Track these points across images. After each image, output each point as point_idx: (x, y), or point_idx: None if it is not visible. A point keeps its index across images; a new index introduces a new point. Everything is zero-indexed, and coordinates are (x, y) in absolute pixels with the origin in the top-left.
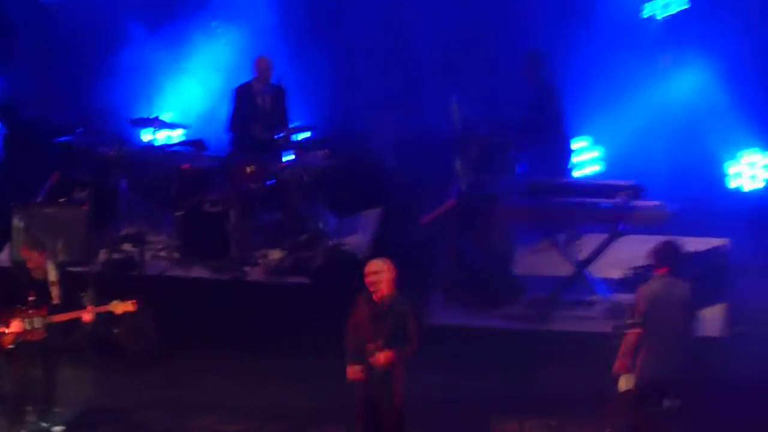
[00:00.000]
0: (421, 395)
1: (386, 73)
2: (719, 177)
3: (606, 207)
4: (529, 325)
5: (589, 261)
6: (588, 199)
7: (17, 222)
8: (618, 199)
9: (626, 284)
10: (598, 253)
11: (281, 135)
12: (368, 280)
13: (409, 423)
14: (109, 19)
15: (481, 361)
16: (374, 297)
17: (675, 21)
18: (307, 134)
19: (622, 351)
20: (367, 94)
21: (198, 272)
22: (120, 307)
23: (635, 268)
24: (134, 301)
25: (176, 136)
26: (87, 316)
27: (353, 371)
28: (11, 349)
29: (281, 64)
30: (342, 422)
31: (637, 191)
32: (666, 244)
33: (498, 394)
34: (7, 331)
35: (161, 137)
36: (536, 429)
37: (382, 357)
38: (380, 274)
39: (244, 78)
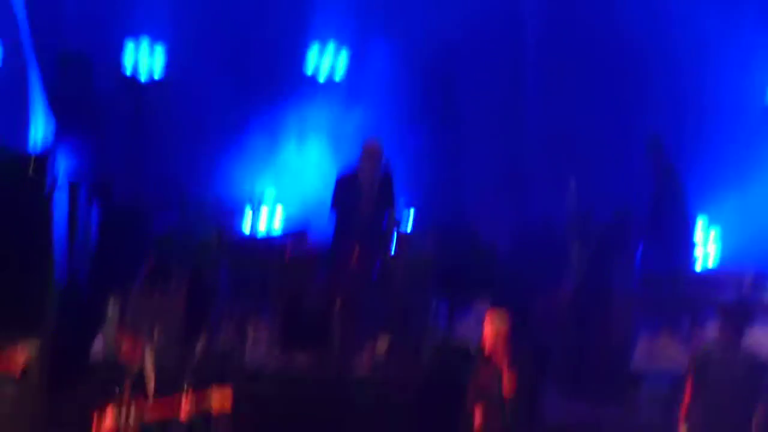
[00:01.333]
0: None
1: (498, 152)
2: None
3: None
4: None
5: None
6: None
7: (111, 311)
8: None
9: None
10: None
11: (388, 223)
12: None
13: None
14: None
15: None
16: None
17: None
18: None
19: None
20: (479, 178)
21: (300, 366)
22: (217, 398)
23: None
24: (230, 390)
25: (277, 225)
26: (183, 413)
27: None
28: None
29: (388, 148)
30: None
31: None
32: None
33: None
34: (101, 425)
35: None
36: None
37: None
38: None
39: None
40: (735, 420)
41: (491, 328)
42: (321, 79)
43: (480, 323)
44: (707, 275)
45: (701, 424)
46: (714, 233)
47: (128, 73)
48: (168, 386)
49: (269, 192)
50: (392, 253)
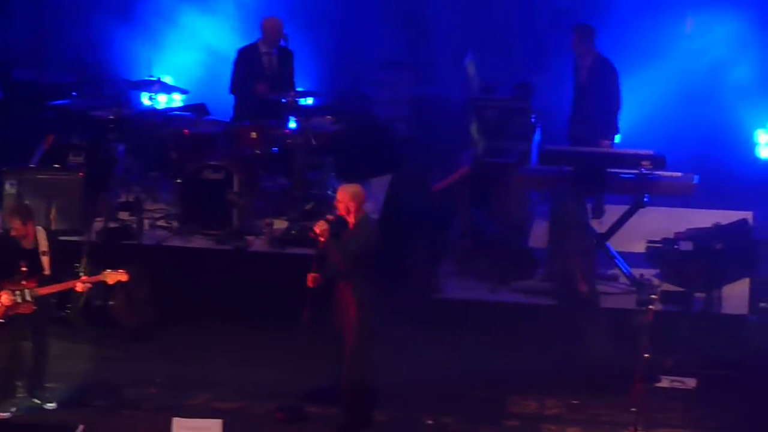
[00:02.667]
0: (435, 371)
1: (397, 31)
2: (747, 146)
3: (628, 177)
4: (546, 300)
5: (610, 233)
6: (610, 169)
7: (9, 188)
8: (641, 170)
9: (649, 258)
10: (619, 225)
11: (287, 99)
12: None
13: (425, 401)
14: None
15: (496, 337)
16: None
17: None
18: (311, 100)
19: None
20: (377, 55)
21: (198, 242)
22: (112, 276)
23: (658, 241)
24: (127, 270)
25: (176, 100)
26: (79, 286)
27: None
28: (0, 322)
29: (287, 25)
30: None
31: (660, 161)
32: None
33: (515, 371)
34: None
35: (161, 101)
36: (556, 407)
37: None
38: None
39: (248, 39)
40: None
41: (339, 194)
42: None
43: (377, 200)
44: (606, 154)
45: None
46: None
47: None
48: (65, 266)
49: (168, 66)
50: (293, 129)
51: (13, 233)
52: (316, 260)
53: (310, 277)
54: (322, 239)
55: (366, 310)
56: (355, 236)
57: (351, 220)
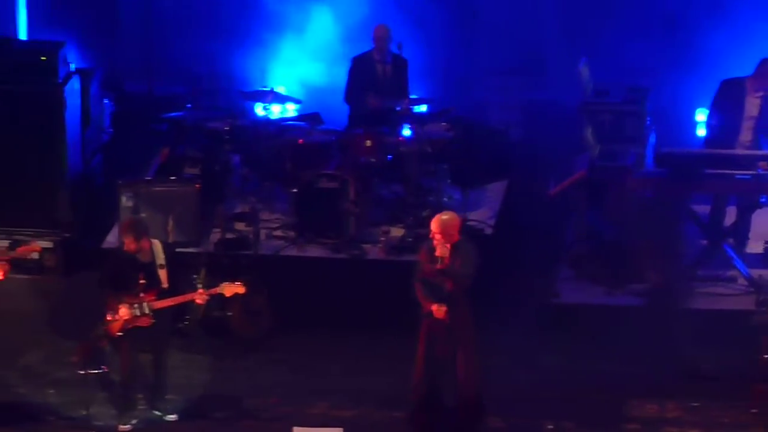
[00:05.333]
0: (553, 376)
1: (509, 36)
2: None
3: (745, 179)
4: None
5: (728, 234)
6: (726, 171)
7: (125, 201)
8: (759, 170)
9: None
10: (737, 226)
11: (401, 107)
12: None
13: (544, 406)
14: None
15: (614, 341)
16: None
17: None
18: (425, 107)
19: None
20: (490, 61)
21: (314, 251)
22: (230, 289)
23: None
24: (244, 282)
25: (290, 110)
26: (198, 299)
27: (439, 311)
28: (119, 336)
29: (399, 33)
30: None
31: None
32: None
33: (635, 375)
34: (115, 317)
35: (275, 111)
36: (677, 411)
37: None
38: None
39: (361, 48)
40: None
41: (432, 225)
42: None
43: (493, 206)
44: (723, 156)
45: None
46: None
47: None
48: (182, 278)
49: (282, 77)
50: (407, 136)
51: (125, 248)
52: (421, 287)
53: (443, 311)
54: (446, 262)
55: (473, 325)
56: (461, 259)
57: (449, 246)
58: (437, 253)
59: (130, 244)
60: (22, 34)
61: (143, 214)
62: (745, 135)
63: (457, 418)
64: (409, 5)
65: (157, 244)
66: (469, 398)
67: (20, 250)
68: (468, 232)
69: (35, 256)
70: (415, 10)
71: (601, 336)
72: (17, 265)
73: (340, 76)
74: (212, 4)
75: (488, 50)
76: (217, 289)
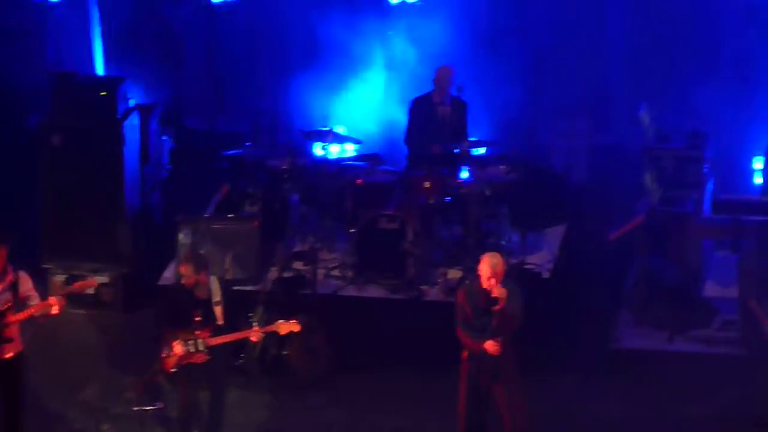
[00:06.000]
0: (612, 421)
1: (573, 81)
2: None
3: None
4: (725, 349)
5: None
6: None
7: (183, 237)
8: None
9: None
10: None
11: (460, 149)
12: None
13: None
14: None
15: (674, 387)
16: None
17: None
18: (484, 149)
19: None
20: (552, 104)
21: (373, 292)
22: (285, 327)
23: None
24: (299, 320)
25: (349, 150)
26: (253, 336)
27: (491, 345)
28: (174, 372)
29: (461, 74)
30: None
31: None
32: None
33: (694, 422)
34: (169, 353)
35: (334, 151)
36: None
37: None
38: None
39: (422, 89)
40: None
41: (485, 268)
42: (394, 1)
43: (552, 249)
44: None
45: None
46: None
47: None
48: (239, 315)
49: (342, 116)
50: (466, 178)
51: (183, 281)
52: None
53: (497, 346)
54: (502, 303)
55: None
56: (510, 300)
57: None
58: (494, 293)
59: (189, 278)
60: (99, 69)
61: (202, 251)
62: None
63: None
64: (477, 47)
65: (215, 281)
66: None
67: (77, 285)
68: (525, 275)
69: (92, 291)
70: (481, 51)
71: (661, 381)
72: (76, 299)
73: (400, 118)
74: (275, 42)
75: (552, 94)
76: (272, 327)
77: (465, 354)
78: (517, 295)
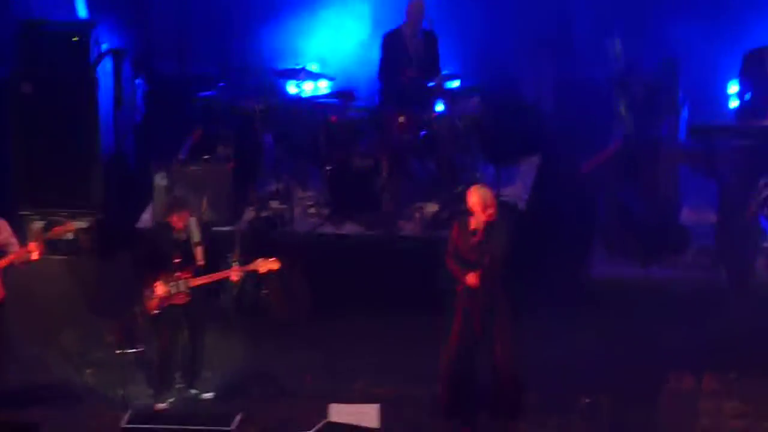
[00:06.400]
0: (588, 351)
1: (540, 12)
2: None
3: None
4: (700, 275)
5: (763, 206)
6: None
7: (159, 181)
8: None
9: None
10: None
11: (433, 83)
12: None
13: (580, 380)
14: None
15: (649, 314)
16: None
17: None
18: (458, 82)
19: None
20: (520, 34)
21: (349, 228)
22: (264, 265)
23: None
24: (277, 258)
25: (323, 87)
26: (233, 275)
27: (472, 277)
28: (156, 313)
29: (431, 6)
30: None
31: None
32: None
33: (671, 348)
34: (151, 295)
35: (308, 89)
36: (714, 383)
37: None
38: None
39: (391, 24)
40: None
41: (477, 201)
42: None
43: (526, 181)
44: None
45: None
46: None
47: None
48: (217, 256)
49: (313, 53)
50: (438, 112)
51: (174, 225)
52: (455, 261)
53: (475, 276)
54: (480, 235)
55: (510, 302)
56: (497, 235)
57: (482, 221)
58: (472, 226)
59: (180, 220)
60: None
61: (176, 194)
62: None
63: (494, 395)
64: None
65: (193, 222)
66: (507, 374)
67: (55, 231)
68: (501, 207)
69: (70, 236)
70: None
71: (636, 309)
72: (52, 245)
73: (373, 52)
74: None
75: (520, 26)
76: (252, 266)
77: (460, 287)
78: (503, 230)
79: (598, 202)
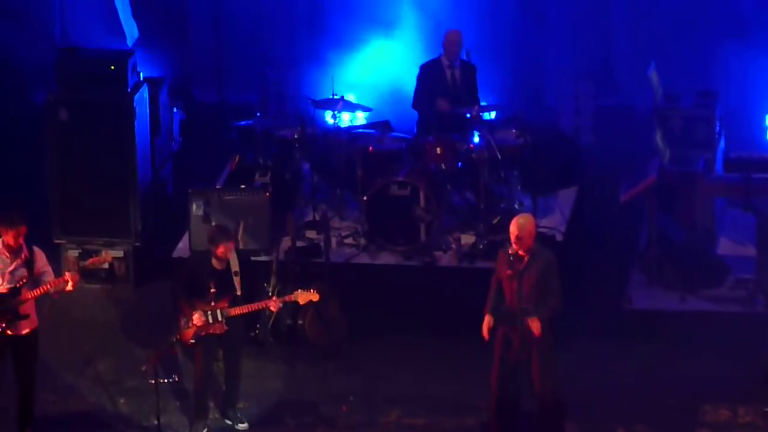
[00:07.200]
0: (625, 381)
1: (581, 42)
2: None
3: None
4: (737, 308)
5: None
6: None
7: (195, 209)
8: None
9: None
10: None
11: (471, 114)
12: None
13: (617, 411)
14: None
15: (686, 346)
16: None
17: None
18: (494, 114)
19: None
20: (561, 66)
21: (386, 258)
22: (303, 296)
23: None
24: (318, 290)
25: (360, 118)
26: (272, 306)
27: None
28: (192, 343)
29: (469, 38)
30: None
31: None
32: None
33: (707, 380)
34: (188, 324)
35: (344, 119)
36: (750, 415)
37: (535, 327)
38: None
39: (430, 54)
40: None
41: (515, 228)
42: None
43: (564, 212)
44: None
45: None
46: None
47: None
48: (255, 286)
49: (352, 84)
50: (477, 143)
51: (219, 254)
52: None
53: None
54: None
55: (550, 332)
56: (538, 266)
57: (526, 249)
58: (511, 255)
59: (227, 252)
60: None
61: (213, 223)
62: None
63: (536, 425)
64: (482, 12)
65: (232, 251)
66: (547, 405)
67: (92, 261)
68: (539, 238)
69: (106, 266)
70: (486, 16)
71: (674, 341)
72: (88, 274)
73: (410, 83)
74: (282, 11)
75: (558, 55)
76: (292, 297)
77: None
78: (545, 257)
79: (636, 233)
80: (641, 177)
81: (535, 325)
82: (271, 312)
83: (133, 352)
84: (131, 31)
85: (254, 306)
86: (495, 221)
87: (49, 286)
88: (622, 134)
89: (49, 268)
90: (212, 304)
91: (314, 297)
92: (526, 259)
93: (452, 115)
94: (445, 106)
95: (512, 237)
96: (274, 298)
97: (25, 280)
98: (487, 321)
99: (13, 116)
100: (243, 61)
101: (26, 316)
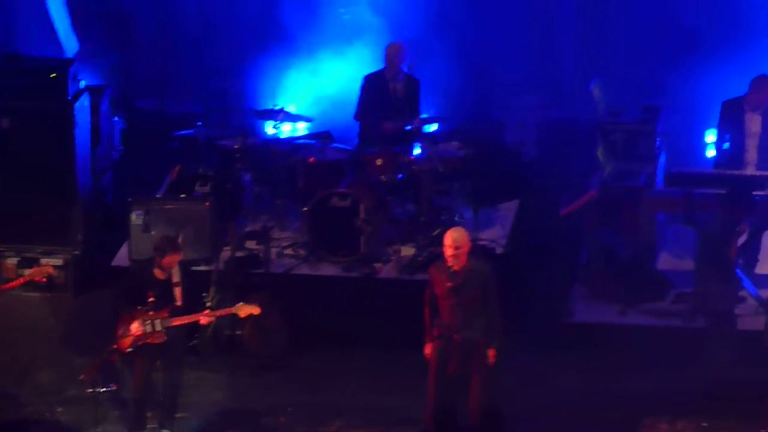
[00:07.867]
0: (566, 395)
1: (524, 56)
2: None
3: (758, 199)
4: (678, 322)
5: (737, 255)
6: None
7: (135, 218)
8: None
9: None
10: (746, 246)
11: (412, 126)
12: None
13: (558, 424)
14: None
15: (627, 360)
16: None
17: None
18: (436, 126)
19: None
20: (503, 80)
21: (326, 270)
22: (245, 309)
23: None
24: (258, 301)
25: (301, 128)
26: (203, 320)
27: (428, 348)
28: (130, 352)
29: (414, 50)
30: None
31: None
32: None
33: (647, 394)
34: (126, 333)
35: (285, 130)
36: (689, 430)
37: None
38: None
39: (373, 66)
40: None
41: (449, 243)
42: None
43: (505, 225)
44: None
45: None
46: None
47: None
48: (195, 296)
49: (294, 94)
50: (418, 155)
51: (164, 264)
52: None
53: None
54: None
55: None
56: (476, 279)
57: (461, 263)
58: (448, 269)
59: (172, 262)
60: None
61: (153, 232)
62: (751, 154)
63: None
64: (428, 25)
65: None
66: (483, 418)
67: (32, 272)
68: (479, 251)
69: (45, 277)
70: (433, 29)
71: (614, 355)
72: (27, 283)
73: (351, 94)
74: (226, 23)
75: (503, 70)
76: (232, 310)
77: (436, 331)
78: (481, 270)
79: (578, 247)
80: (583, 191)
81: (492, 355)
82: (203, 325)
83: (72, 361)
84: (70, 44)
85: (194, 317)
86: (435, 233)
87: None
88: (565, 148)
89: None
90: (151, 313)
91: (255, 311)
92: (464, 272)
93: (394, 129)
94: (390, 129)
95: (449, 251)
96: (207, 311)
97: None
98: (431, 348)
99: None
100: (187, 71)
101: None
